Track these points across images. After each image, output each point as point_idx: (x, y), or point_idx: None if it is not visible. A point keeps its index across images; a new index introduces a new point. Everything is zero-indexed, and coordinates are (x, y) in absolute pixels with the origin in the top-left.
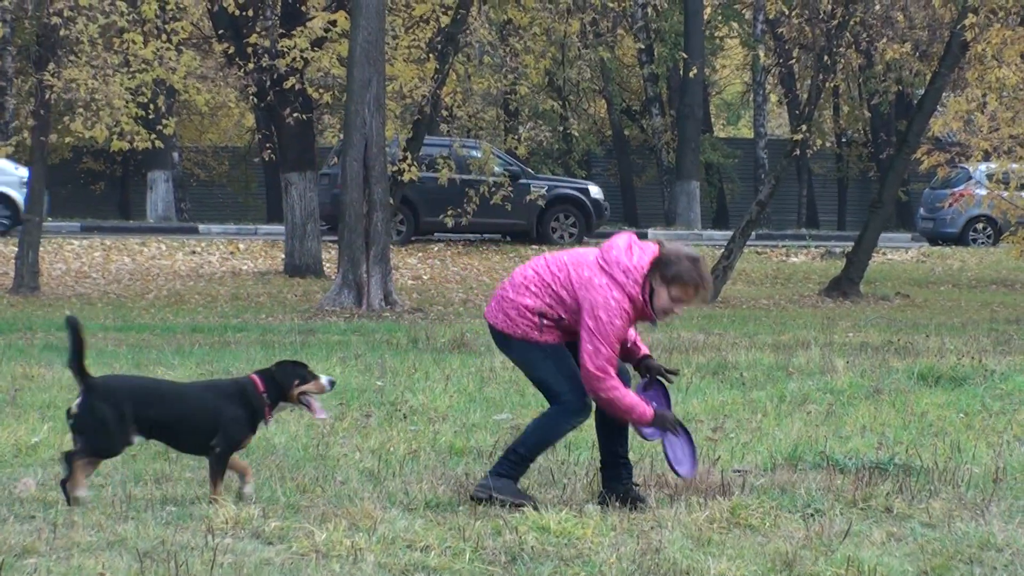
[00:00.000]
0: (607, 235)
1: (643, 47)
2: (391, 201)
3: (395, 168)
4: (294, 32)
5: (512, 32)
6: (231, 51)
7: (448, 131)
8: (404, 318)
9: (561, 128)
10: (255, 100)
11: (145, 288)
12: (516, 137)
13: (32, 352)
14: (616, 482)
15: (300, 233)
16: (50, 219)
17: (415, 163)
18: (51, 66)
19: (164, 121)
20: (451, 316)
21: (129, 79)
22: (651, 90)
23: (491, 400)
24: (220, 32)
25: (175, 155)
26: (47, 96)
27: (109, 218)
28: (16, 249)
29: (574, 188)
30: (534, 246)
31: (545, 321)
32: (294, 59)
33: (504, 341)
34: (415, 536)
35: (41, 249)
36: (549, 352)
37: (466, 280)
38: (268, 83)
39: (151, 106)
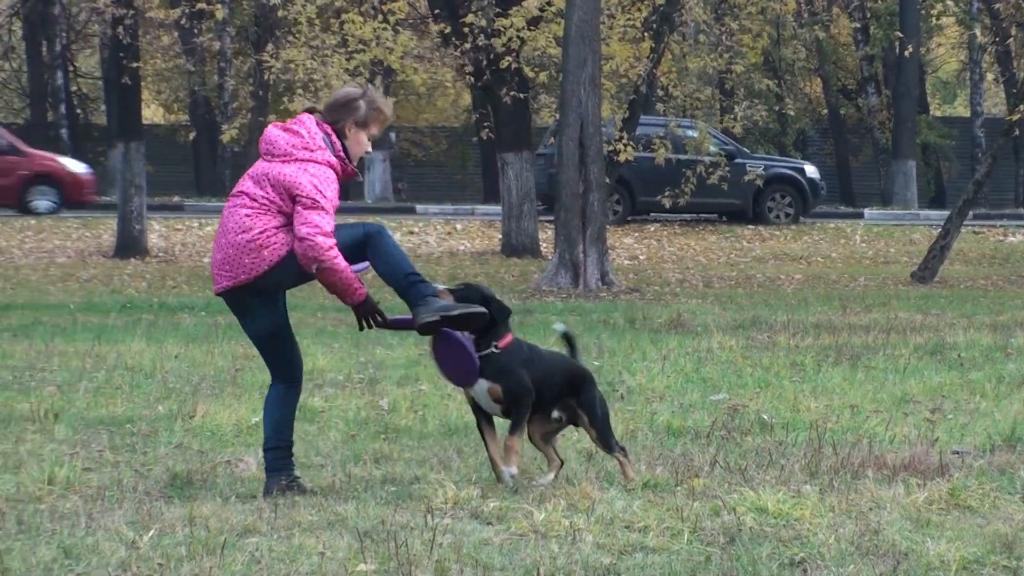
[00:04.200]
0: (823, 215)
1: (858, 26)
2: (607, 181)
3: (611, 148)
4: (510, 11)
5: (727, 11)
6: (447, 31)
7: (664, 110)
8: (621, 298)
9: (777, 108)
10: (471, 80)
11: None
12: (732, 116)
13: None
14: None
15: (517, 213)
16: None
17: (631, 143)
18: (269, 47)
19: None
20: (668, 296)
21: (347, 59)
22: (867, 69)
23: (708, 380)
24: (436, 12)
25: (392, 135)
26: (265, 77)
27: None
28: None
29: (790, 168)
30: (750, 226)
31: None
32: (510, 38)
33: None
34: (633, 517)
35: None
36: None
37: (682, 260)
38: (484, 63)
39: (369, 86)
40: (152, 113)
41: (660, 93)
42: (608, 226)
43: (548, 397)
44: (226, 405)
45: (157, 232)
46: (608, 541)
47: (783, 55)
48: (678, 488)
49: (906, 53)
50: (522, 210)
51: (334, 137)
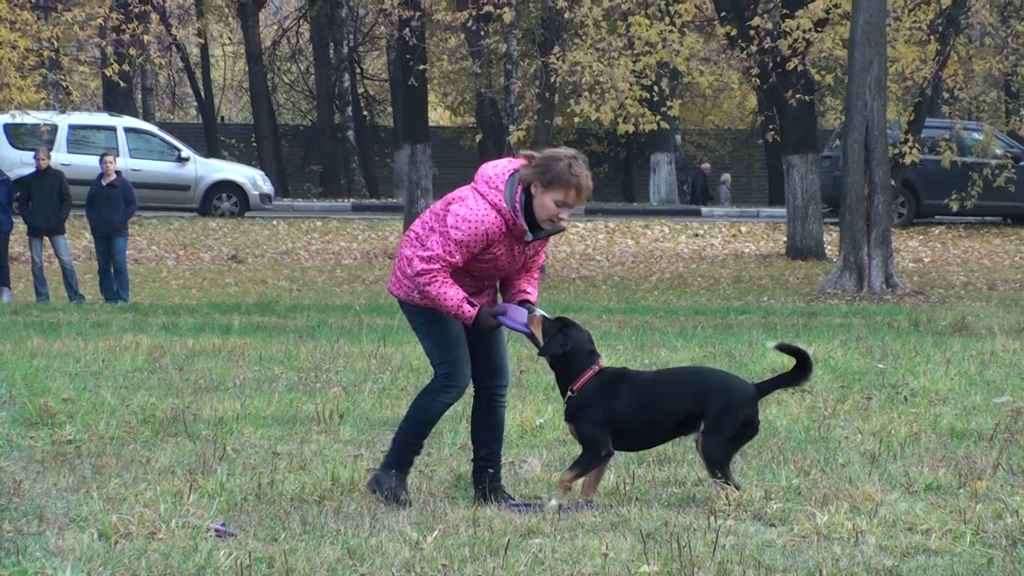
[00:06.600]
0: None
1: None
2: (892, 183)
3: (896, 150)
4: (796, 13)
5: (1013, 13)
6: (733, 33)
7: (949, 113)
8: (905, 301)
9: None
10: (757, 82)
11: (648, 270)
12: (1018, 119)
13: None
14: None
15: (801, 215)
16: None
17: (916, 145)
18: (556, 49)
19: (668, 103)
20: (952, 299)
21: (633, 62)
22: None
23: (992, 383)
24: (722, 14)
25: (677, 138)
26: (552, 79)
27: (612, 200)
28: None
29: None
30: None
31: None
32: (796, 40)
33: (402, 306)
34: (916, 519)
35: None
36: (428, 317)
37: (967, 263)
38: (771, 65)
39: (655, 88)
40: (438, 116)
41: (946, 95)
42: (893, 229)
43: (669, 418)
44: (510, 407)
45: None
46: (890, 543)
47: None
48: (961, 491)
49: None
50: (807, 213)
51: (520, 188)
